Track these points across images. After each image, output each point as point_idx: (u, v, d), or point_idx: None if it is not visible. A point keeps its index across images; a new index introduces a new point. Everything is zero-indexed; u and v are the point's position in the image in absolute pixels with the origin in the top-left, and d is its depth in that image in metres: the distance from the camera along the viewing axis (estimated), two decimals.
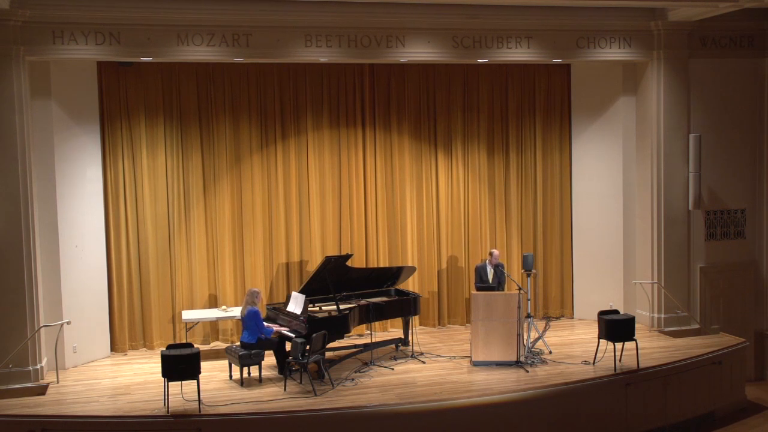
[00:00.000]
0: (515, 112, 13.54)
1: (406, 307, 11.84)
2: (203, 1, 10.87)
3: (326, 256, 11.47)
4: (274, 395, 10.03)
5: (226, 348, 10.97)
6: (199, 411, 9.33)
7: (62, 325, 10.92)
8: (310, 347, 10.23)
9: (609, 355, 10.92)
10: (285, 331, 10.90)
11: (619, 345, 10.88)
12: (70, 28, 10.51)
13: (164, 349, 9.54)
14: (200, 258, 12.39)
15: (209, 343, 12.49)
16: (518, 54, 12.14)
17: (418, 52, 11.80)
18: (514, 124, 13.56)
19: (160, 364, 9.43)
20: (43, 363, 10.78)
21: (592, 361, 11.08)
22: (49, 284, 11.02)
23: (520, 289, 11.20)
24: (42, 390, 10.29)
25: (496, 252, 12.25)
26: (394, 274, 12.19)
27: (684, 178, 12.69)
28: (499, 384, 10.35)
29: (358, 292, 11.93)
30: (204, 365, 9.83)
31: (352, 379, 10.64)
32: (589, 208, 13.65)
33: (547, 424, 10.14)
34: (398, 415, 9.61)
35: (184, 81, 12.18)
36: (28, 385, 10.38)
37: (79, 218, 11.50)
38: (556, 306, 13.93)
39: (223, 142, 12.40)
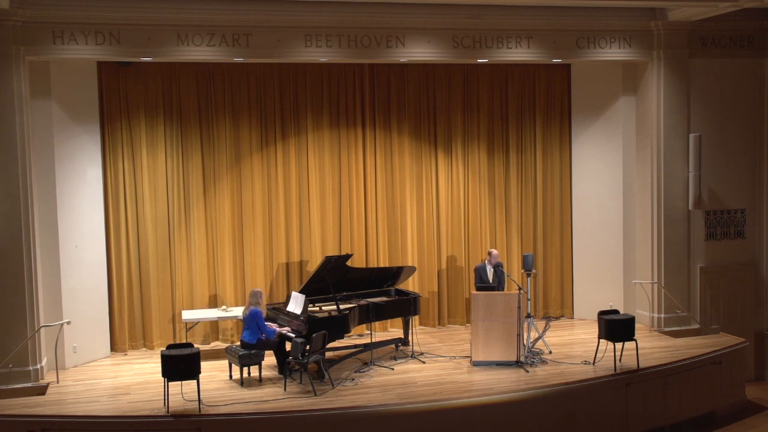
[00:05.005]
0: (515, 112, 13.54)
1: (406, 307, 11.84)
2: (203, 1, 10.88)
3: (326, 256, 11.47)
4: (274, 395, 10.03)
5: (226, 348, 10.98)
6: (199, 411, 9.33)
7: (62, 325, 10.93)
8: (310, 347, 10.23)
9: (609, 355, 10.92)
10: (285, 331, 10.89)
11: (619, 345, 10.88)
12: (70, 28, 10.51)
13: (164, 349, 9.54)
14: (200, 258, 12.40)
15: (209, 343, 12.49)
16: (518, 54, 12.14)
17: (418, 52, 11.80)
18: (514, 124, 13.56)
19: (160, 364, 9.44)
20: (43, 363, 10.78)
21: (592, 361, 11.08)
22: (49, 284, 11.02)
23: (520, 289, 11.20)
24: (42, 390, 10.29)
25: (494, 252, 12.25)
26: (394, 274, 12.18)
27: (684, 178, 12.69)
28: (499, 384, 10.35)
29: (358, 292, 11.93)
30: (204, 365, 9.83)
31: (352, 379, 10.64)
32: (589, 208, 13.65)
33: (547, 424, 10.14)
34: (398, 415, 9.61)
35: (184, 81, 12.18)
36: (28, 385, 10.39)
37: (79, 218, 11.50)
38: (556, 306, 13.93)
39: (223, 142, 12.40)
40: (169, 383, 9.39)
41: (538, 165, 13.68)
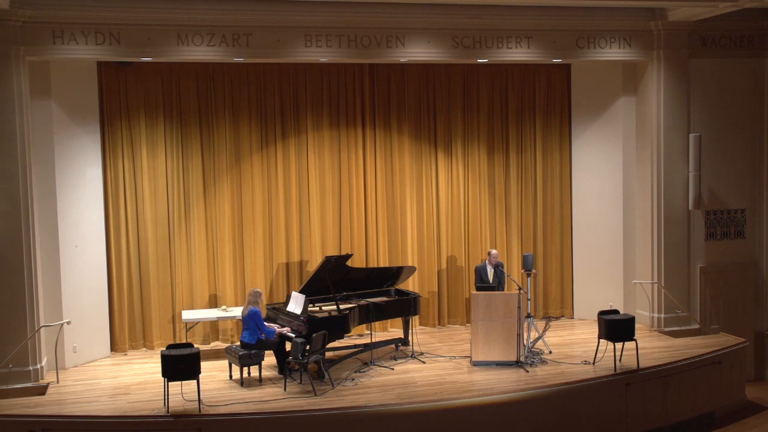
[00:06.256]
0: (515, 112, 13.54)
1: (406, 307, 11.84)
2: (203, 1, 10.88)
3: (326, 256, 11.47)
4: (274, 395, 10.03)
5: (226, 348, 10.98)
6: (199, 411, 9.33)
7: (62, 325, 10.93)
8: (310, 347, 10.23)
9: (609, 355, 10.92)
10: (286, 331, 10.90)
11: (619, 345, 10.88)
12: (70, 28, 10.51)
13: (164, 349, 9.55)
14: (200, 258, 12.40)
15: (209, 343, 12.49)
16: (518, 54, 12.14)
17: (418, 52, 11.80)
18: (514, 124, 13.56)
19: (160, 364, 9.44)
20: (43, 363, 10.78)
21: (592, 361, 11.08)
22: (49, 284, 11.02)
23: (520, 289, 11.20)
24: (42, 390, 10.29)
25: (494, 252, 12.25)
26: (394, 274, 12.18)
27: (684, 178, 12.69)
28: (499, 384, 10.35)
29: (358, 292, 11.93)
30: (204, 365, 9.84)
31: (352, 379, 10.64)
32: (589, 208, 13.66)
33: (547, 424, 10.14)
34: (398, 415, 9.61)
35: (184, 81, 12.18)
36: (28, 385, 10.38)
37: (79, 218, 11.50)
38: (556, 306, 13.93)
39: (223, 142, 12.40)
40: (169, 383, 9.39)
41: (538, 165, 13.68)
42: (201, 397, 9.46)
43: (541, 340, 11.82)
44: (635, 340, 10.79)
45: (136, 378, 10.86)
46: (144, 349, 12.28)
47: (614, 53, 12.44)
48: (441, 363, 11.39)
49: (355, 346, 11.88)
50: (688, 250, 12.86)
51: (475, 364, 11.16)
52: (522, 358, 11.11)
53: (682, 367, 11.06)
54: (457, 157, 13.40)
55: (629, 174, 13.19)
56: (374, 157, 13.05)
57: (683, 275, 12.83)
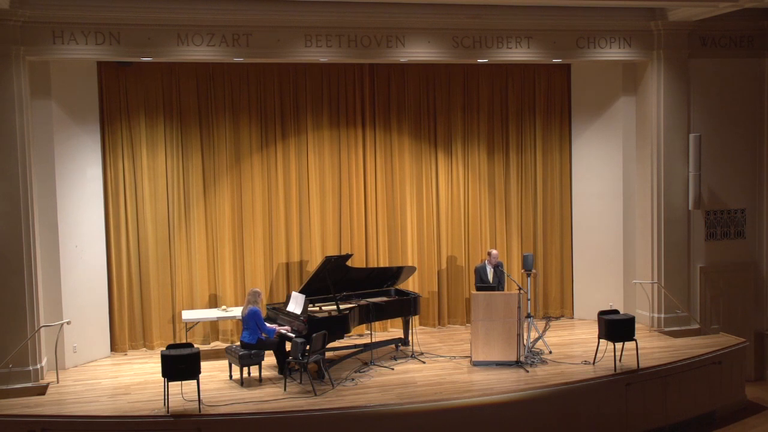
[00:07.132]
0: (515, 112, 13.54)
1: (406, 307, 11.84)
2: (203, 1, 10.88)
3: (326, 256, 11.47)
4: (274, 395, 10.03)
5: (226, 348, 10.98)
6: (199, 411, 9.33)
7: (62, 325, 10.93)
8: (310, 347, 10.23)
9: (609, 355, 10.92)
10: (285, 331, 10.89)
11: (619, 345, 10.88)
12: (70, 28, 10.51)
13: (164, 349, 9.55)
14: (200, 258, 12.40)
15: (209, 343, 12.50)
16: (518, 54, 12.14)
17: (418, 52, 11.80)
18: (514, 124, 13.56)
19: (160, 364, 9.44)
20: (43, 363, 10.78)
21: (592, 361, 11.08)
22: (49, 284, 11.02)
23: (520, 289, 11.20)
24: (42, 390, 10.29)
25: (494, 252, 12.25)
26: (394, 274, 12.18)
27: (684, 178, 12.69)
28: (499, 384, 10.35)
29: (358, 292, 11.93)
30: (204, 365, 9.83)
31: (352, 379, 10.64)
32: (589, 208, 13.66)
33: (547, 424, 10.14)
34: (398, 415, 9.61)
35: (184, 81, 12.18)
36: (28, 385, 10.38)
37: (79, 218, 11.50)
38: (556, 306, 13.93)
39: (223, 142, 12.40)
40: (169, 383, 9.39)
41: (538, 165, 13.68)
42: (201, 397, 9.46)
43: (541, 340, 11.82)
44: (635, 340, 10.79)
45: (136, 378, 10.87)
46: (144, 349, 12.29)
47: (614, 53, 12.44)
48: (441, 363, 11.39)
49: (355, 346, 11.88)
50: (688, 250, 12.86)
51: (475, 364, 11.16)
52: (522, 358, 11.11)
53: (682, 367, 11.06)
54: (457, 157, 13.40)
55: (629, 174, 13.19)
56: (374, 157, 13.05)
57: (683, 275, 12.83)
